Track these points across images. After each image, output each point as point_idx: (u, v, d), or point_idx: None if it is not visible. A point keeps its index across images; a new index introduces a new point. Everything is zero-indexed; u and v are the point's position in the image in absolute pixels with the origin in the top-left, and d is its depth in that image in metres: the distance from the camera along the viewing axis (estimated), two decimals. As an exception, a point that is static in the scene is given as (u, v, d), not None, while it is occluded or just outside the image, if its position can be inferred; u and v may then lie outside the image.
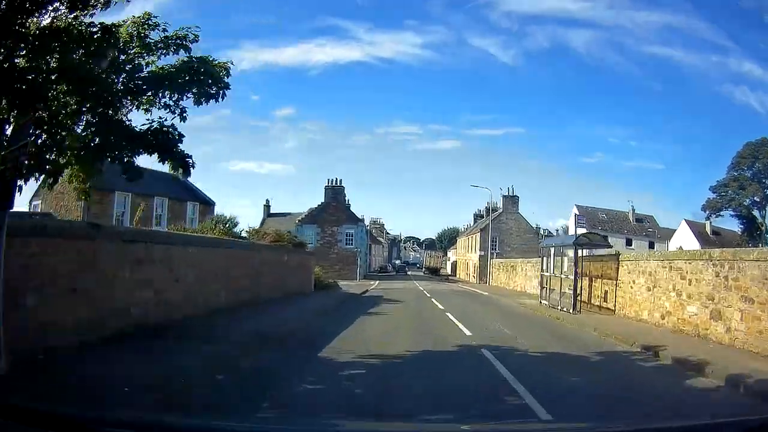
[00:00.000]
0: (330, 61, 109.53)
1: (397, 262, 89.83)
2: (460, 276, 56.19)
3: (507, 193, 45.94)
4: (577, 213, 57.43)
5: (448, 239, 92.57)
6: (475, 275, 44.45)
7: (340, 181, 44.31)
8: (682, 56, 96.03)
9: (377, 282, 36.47)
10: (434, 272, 63.31)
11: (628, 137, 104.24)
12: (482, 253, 42.53)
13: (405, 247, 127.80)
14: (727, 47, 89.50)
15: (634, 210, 59.94)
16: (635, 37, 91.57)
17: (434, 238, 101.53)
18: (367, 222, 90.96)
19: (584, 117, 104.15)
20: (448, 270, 70.05)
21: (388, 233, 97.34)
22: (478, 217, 63.90)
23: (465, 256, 55.17)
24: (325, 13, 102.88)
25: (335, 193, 43.86)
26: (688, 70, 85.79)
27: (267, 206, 62.29)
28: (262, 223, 62.61)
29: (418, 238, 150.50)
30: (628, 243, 54.93)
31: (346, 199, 46.39)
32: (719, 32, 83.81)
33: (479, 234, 43.96)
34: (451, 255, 74.44)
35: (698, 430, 2.40)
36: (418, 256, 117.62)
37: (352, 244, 42.73)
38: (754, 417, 2.73)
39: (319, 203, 44.40)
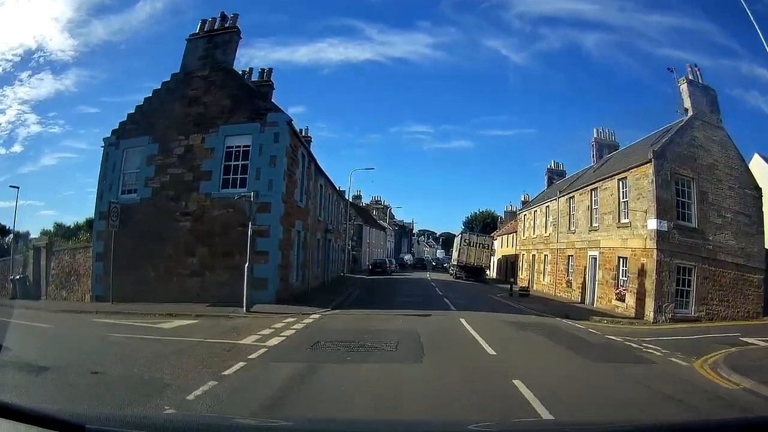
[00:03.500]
0: (342, 60, 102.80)
1: (407, 257, 61.69)
2: (543, 288, 26.53)
3: (695, 78, 16.20)
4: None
5: (481, 226, 63.18)
6: (633, 294, 14.89)
7: (233, 19, 15.21)
8: (692, 59, 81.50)
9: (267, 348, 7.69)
10: (476, 274, 33.82)
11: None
12: (669, 223, 13.04)
13: (419, 241, 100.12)
14: (737, 51, 79.02)
15: None
16: (647, 39, 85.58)
17: (461, 227, 71.33)
18: (366, 199, 61.71)
19: (594, 119, 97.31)
20: (490, 272, 40.66)
21: (393, 217, 68.44)
22: (555, 175, 34.04)
23: (557, 244, 25.34)
24: (338, 12, 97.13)
25: (213, 46, 14.94)
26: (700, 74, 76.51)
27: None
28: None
29: (434, 232, 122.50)
30: None
31: (242, 62, 17.23)
32: (729, 36, 73.46)
33: (651, 166, 14.06)
34: (495, 246, 44.12)
35: (698, 430, 2.34)
36: (435, 251, 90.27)
37: (245, 185, 13.59)
38: (755, 416, 2.97)
39: (170, 76, 15.31)
